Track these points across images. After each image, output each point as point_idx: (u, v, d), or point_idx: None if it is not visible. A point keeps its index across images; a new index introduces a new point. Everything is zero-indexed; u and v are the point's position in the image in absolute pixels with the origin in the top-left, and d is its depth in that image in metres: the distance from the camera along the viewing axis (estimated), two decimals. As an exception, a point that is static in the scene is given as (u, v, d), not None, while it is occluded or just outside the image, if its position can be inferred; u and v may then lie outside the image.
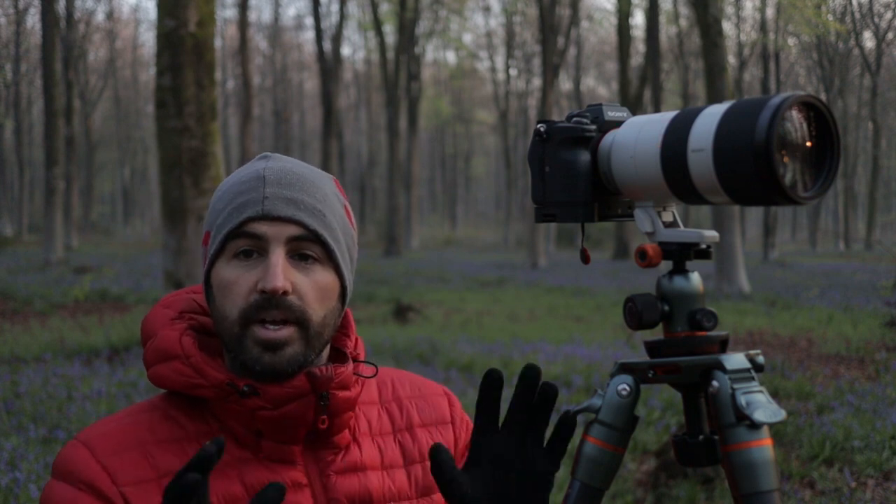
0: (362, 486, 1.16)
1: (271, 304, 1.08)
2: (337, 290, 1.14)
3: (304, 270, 1.11)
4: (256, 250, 1.10)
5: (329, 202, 1.15)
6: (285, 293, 1.08)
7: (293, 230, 1.10)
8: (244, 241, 1.10)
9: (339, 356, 1.20)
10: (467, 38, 47.12)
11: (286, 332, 1.09)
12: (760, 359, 1.12)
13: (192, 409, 1.14)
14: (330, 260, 1.13)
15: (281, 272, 1.08)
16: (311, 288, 1.11)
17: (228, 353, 1.15)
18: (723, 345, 1.13)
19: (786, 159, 0.98)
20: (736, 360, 1.08)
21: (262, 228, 1.10)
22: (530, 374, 1.10)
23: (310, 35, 57.77)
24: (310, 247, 1.12)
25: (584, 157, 1.16)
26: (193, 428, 1.13)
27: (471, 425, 1.30)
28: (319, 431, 1.13)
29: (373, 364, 1.21)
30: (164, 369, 1.12)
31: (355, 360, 1.19)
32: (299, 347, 1.10)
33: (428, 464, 1.20)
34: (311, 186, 1.14)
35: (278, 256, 1.09)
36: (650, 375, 1.14)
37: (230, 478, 1.10)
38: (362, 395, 1.22)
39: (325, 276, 1.13)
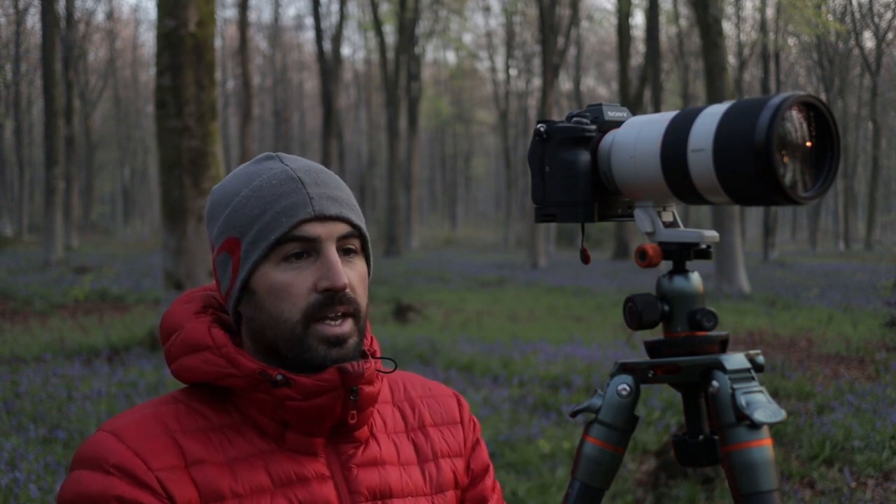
0: (382, 480, 1.18)
1: (335, 301, 1.12)
2: (367, 277, 1.19)
3: (348, 264, 1.15)
4: (307, 251, 1.13)
5: (352, 194, 1.20)
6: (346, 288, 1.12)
7: (342, 228, 1.14)
8: (296, 245, 1.12)
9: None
10: (467, 38, 47.13)
11: (347, 325, 1.13)
12: (760, 359, 1.12)
13: (214, 401, 1.15)
14: (363, 250, 1.19)
15: (342, 270, 1.12)
16: (358, 280, 1.16)
17: (258, 349, 1.16)
18: (723, 345, 1.13)
19: (786, 159, 0.98)
20: (736, 360, 1.08)
21: (316, 230, 1.12)
22: None
23: (310, 35, 57.76)
24: (352, 241, 1.16)
25: (584, 157, 1.16)
26: (218, 420, 1.13)
27: (478, 425, 1.35)
28: (344, 425, 1.15)
29: (392, 360, 1.23)
30: (193, 360, 1.13)
31: (374, 356, 1.22)
32: (357, 338, 1.14)
33: (441, 462, 1.25)
34: (337, 181, 1.19)
35: (335, 255, 1.13)
36: (650, 375, 1.14)
37: (256, 468, 1.11)
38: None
39: (362, 266, 1.18)
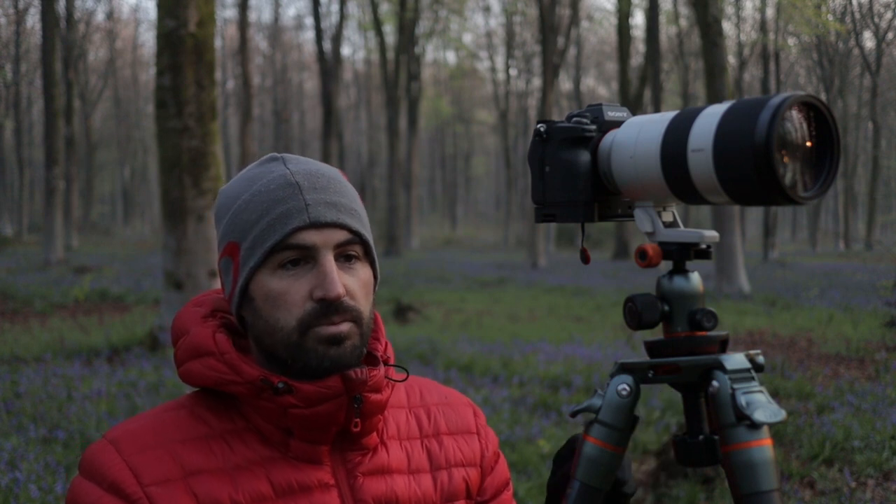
0: (389, 489, 1.16)
1: (330, 310, 1.09)
2: (372, 282, 1.17)
3: (349, 271, 1.12)
4: (304, 259, 1.10)
5: (356, 197, 1.17)
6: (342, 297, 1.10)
7: (340, 235, 1.11)
8: (291, 253, 1.10)
9: (369, 359, 1.20)
10: (467, 38, 47.16)
11: (346, 325, 1.10)
12: (760, 359, 1.12)
13: (219, 407, 1.14)
14: (367, 255, 1.16)
15: (337, 279, 1.09)
16: (359, 287, 1.13)
17: (262, 354, 1.14)
18: (723, 345, 1.13)
19: (786, 159, 0.98)
20: (736, 360, 1.08)
21: (312, 238, 1.09)
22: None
23: (310, 35, 57.82)
24: (353, 248, 1.13)
25: (584, 157, 1.15)
26: (220, 426, 1.12)
27: (495, 439, 1.33)
28: (349, 433, 1.13)
29: (404, 368, 1.21)
30: (197, 366, 1.12)
31: (386, 363, 1.20)
32: (357, 340, 1.11)
33: (453, 471, 1.22)
34: (340, 185, 1.15)
35: (331, 263, 1.10)
36: (650, 375, 1.14)
37: (258, 476, 1.10)
38: (391, 398, 1.22)
39: (365, 272, 1.15)
